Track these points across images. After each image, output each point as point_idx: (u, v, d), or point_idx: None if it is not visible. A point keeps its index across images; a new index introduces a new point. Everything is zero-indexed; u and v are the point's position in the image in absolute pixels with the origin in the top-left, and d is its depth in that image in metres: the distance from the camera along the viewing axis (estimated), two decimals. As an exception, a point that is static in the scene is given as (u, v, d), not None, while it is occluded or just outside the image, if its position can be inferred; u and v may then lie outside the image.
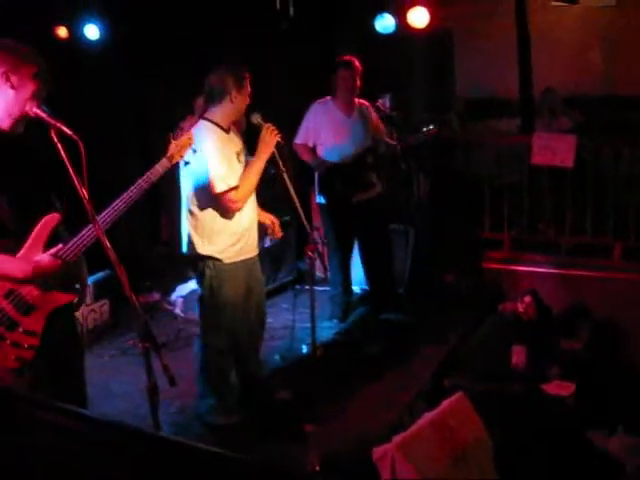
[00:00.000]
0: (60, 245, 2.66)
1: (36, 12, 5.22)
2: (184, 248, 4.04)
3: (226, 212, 3.86)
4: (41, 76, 2.65)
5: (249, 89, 3.85)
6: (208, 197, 3.83)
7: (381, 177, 5.47)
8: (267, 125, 3.83)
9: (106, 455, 1.19)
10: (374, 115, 5.38)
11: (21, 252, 2.63)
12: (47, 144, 2.60)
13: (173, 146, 3.13)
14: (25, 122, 2.68)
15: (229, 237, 3.90)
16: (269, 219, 4.19)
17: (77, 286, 2.88)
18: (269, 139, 3.82)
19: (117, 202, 2.77)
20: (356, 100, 5.31)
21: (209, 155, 3.77)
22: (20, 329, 2.62)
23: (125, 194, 2.81)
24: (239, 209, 3.88)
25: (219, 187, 3.76)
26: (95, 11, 5.91)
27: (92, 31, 5.97)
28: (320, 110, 5.30)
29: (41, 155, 2.79)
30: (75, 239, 2.67)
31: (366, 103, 5.39)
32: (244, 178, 3.89)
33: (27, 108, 2.62)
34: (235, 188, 3.80)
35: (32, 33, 5.14)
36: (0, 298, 2.59)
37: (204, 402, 4.20)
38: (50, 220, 2.69)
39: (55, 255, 2.64)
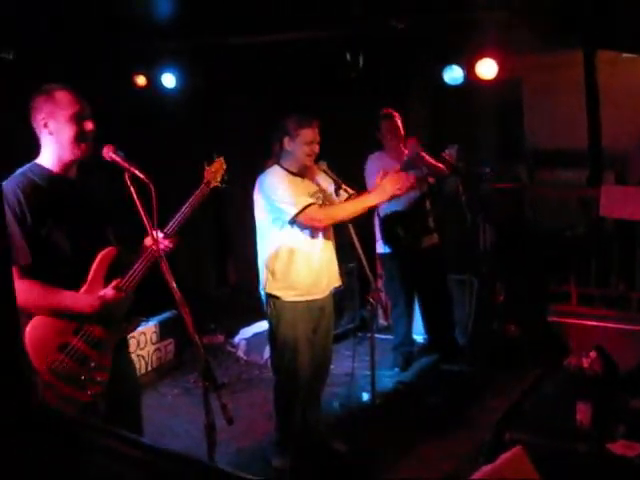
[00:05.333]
0: (119, 278, 2.79)
1: (116, 60, 5.50)
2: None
3: (316, 226, 3.92)
4: (81, 117, 2.76)
5: (311, 137, 3.93)
6: (270, 231, 3.93)
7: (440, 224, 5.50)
8: (398, 176, 3.91)
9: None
10: (425, 156, 5.41)
11: (84, 287, 2.75)
12: (105, 184, 2.75)
13: (207, 172, 3.22)
14: (78, 165, 2.83)
15: (290, 276, 3.97)
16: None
17: (136, 318, 3.01)
18: (389, 188, 3.90)
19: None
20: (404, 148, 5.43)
21: (272, 190, 3.89)
22: (92, 364, 2.73)
23: (171, 222, 2.96)
24: (325, 227, 3.94)
25: (291, 210, 3.84)
26: (172, 61, 6.18)
27: (169, 80, 6.25)
28: (376, 161, 5.44)
29: (98, 195, 2.94)
30: (131, 271, 2.79)
31: (412, 141, 5.45)
32: (342, 204, 3.96)
33: (77, 151, 2.75)
34: (313, 204, 3.86)
35: (112, 80, 5.48)
36: (70, 335, 2.71)
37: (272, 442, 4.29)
38: (108, 254, 2.82)
39: (117, 288, 2.76)
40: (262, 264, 4.05)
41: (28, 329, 2.62)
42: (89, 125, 2.77)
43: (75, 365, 2.68)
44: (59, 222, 2.71)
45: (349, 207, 3.92)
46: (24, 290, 2.55)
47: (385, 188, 3.89)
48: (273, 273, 3.99)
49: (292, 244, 3.95)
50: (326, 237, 4.08)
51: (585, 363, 4.74)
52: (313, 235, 4.00)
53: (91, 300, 2.72)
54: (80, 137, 2.75)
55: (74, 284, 2.74)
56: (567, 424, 4.25)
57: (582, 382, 4.67)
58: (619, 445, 4.00)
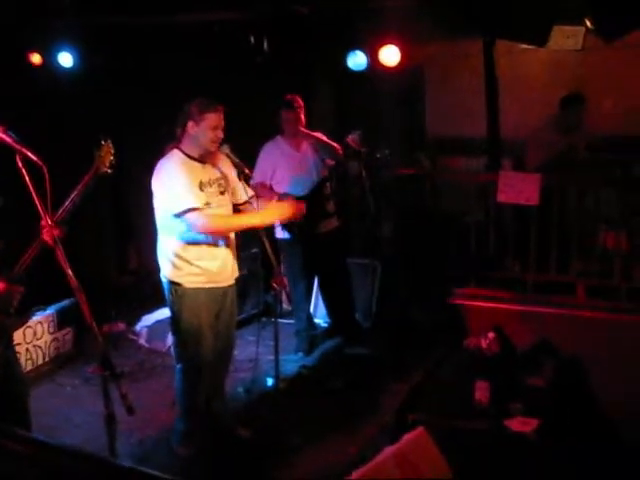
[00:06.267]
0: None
1: (10, 38, 5.25)
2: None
3: (194, 232, 3.83)
4: None
5: (215, 122, 3.85)
6: (169, 220, 3.84)
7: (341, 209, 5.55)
8: (290, 201, 3.89)
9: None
10: (319, 135, 5.45)
11: None
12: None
13: (97, 157, 3.14)
14: None
15: (193, 264, 3.90)
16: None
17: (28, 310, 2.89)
18: (276, 216, 3.88)
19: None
20: (304, 130, 5.43)
21: (167, 177, 3.80)
22: None
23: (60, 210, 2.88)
24: (206, 233, 3.86)
25: (175, 207, 3.76)
26: (69, 40, 5.95)
27: (66, 59, 6.01)
28: (271, 149, 5.45)
29: None
30: (21, 261, 2.67)
31: (317, 134, 5.49)
32: (227, 217, 3.91)
33: None
34: (197, 210, 3.77)
35: (4, 58, 5.22)
36: None
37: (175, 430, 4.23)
38: None
39: (7, 279, 2.64)
40: (163, 252, 3.96)
41: None
42: None
43: None
44: None
45: (233, 222, 3.93)
46: None
47: (272, 213, 3.89)
48: (174, 261, 3.91)
49: (188, 234, 3.87)
50: None
51: (483, 343, 4.89)
52: None
53: None
54: None
55: None
56: (466, 403, 4.38)
57: (480, 362, 4.82)
58: (516, 421, 4.15)
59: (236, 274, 4.17)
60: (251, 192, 4.14)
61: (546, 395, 4.65)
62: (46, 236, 2.59)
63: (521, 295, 5.80)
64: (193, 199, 3.76)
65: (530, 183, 5.55)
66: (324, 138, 5.43)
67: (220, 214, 3.89)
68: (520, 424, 4.17)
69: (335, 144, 5.39)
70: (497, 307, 5.80)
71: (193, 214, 3.75)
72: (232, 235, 4.05)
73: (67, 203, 2.86)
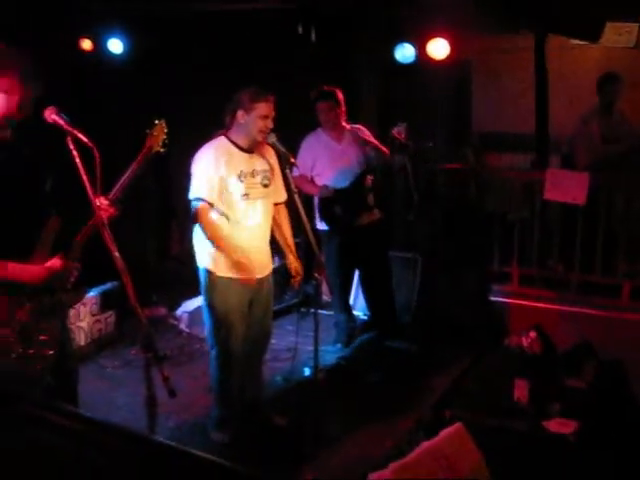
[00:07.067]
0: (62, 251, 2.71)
1: (62, 24, 5.33)
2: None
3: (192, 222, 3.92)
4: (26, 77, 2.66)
5: (266, 112, 3.87)
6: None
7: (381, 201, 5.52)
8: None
9: (107, 458, 1.20)
10: (367, 134, 5.44)
11: (33, 258, 2.66)
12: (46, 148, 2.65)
13: (150, 137, 3.18)
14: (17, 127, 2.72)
15: (222, 255, 3.91)
16: (295, 269, 4.20)
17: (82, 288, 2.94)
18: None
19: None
20: (346, 125, 5.41)
21: (195, 164, 3.89)
22: (41, 337, 2.64)
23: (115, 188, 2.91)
24: (202, 224, 3.88)
25: (191, 192, 3.87)
26: (118, 27, 6.02)
27: (116, 45, 6.09)
28: (312, 141, 5.41)
29: (34, 158, 2.82)
30: (77, 239, 2.71)
31: (358, 126, 5.48)
32: (213, 227, 3.88)
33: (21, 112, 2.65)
34: (204, 203, 3.83)
35: (57, 43, 5.30)
36: (16, 309, 2.61)
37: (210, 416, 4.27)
38: (53, 224, 2.73)
39: (64, 257, 2.68)
40: (197, 238, 4.01)
41: None
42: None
43: (24, 340, 2.59)
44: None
45: (211, 232, 3.88)
46: None
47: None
48: (207, 248, 3.95)
49: (223, 219, 3.91)
50: (260, 217, 4.02)
51: (525, 342, 4.85)
52: (242, 215, 3.94)
53: (39, 271, 2.63)
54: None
55: (14, 254, 2.63)
56: (505, 402, 4.34)
57: (521, 361, 4.78)
58: (554, 422, 4.10)
59: (270, 265, 4.18)
60: (285, 196, 4.20)
61: (586, 397, 4.59)
62: (104, 214, 2.63)
63: (564, 295, 5.72)
64: (206, 191, 3.82)
65: (578, 182, 5.46)
66: (371, 139, 5.39)
67: (214, 226, 3.89)
68: (559, 425, 4.12)
69: (382, 147, 5.35)
70: (539, 306, 5.73)
71: (201, 206, 3.83)
72: (264, 227, 4.06)
73: (122, 181, 2.89)
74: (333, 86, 5.36)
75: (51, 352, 2.67)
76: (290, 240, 4.26)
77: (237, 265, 3.89)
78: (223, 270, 3.94)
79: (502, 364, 4.83)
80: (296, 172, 5.24)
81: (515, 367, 4.65)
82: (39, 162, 2.85)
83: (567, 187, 5.46)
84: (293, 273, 4.21)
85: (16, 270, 2.60)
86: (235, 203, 3.89)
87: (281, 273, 6.05)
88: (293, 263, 4.20)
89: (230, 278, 3.94)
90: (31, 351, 2.61)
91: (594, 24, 5.47)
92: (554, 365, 4.84)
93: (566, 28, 5.88)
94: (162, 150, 3.15)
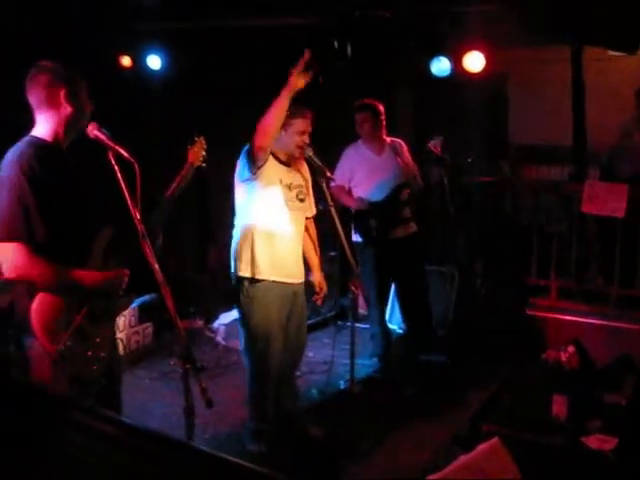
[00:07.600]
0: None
1: (102, 41, 5.44)
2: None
3: (257, 155, 3.83)
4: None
5: (303, 127, 3.91)
6: (244, 214, 4.00)
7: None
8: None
9: (144, 464, 1.22)
10: (406, 154, 5.45)
11: (88, 265, 2.74)
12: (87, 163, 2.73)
13: (190, 153, 3.32)
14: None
15: (262, 254, 3.96)
16: (319, 284, 4.24)
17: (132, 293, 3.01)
18: (297, 80, 3.76)
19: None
20: (387, 138, 5.43)
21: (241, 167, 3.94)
22: (97, 340, 2.71)
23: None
24: (265, 141, 3.79)
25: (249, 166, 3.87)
26: (157, 43, 6.13)
27: (154, 62, 6.19)
28: (352, 152, 5.44)
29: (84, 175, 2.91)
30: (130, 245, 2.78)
31: (399, 141, 5.48)
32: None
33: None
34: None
35: (97, 60, 5.41)
36: (74, 313, 2.66)
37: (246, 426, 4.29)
38: (107, 232, 2.80)
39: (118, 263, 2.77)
40: (232, 249, 4.06)
41: (35, 309, 2.56)
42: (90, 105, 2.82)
43: (81, 342, 2.65)
44: (63, 196, 2.67)
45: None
46: (37, 268, 2.55)
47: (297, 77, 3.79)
48: (240, 255, 3.99)
49: (260, 225, 3.96)
50: (295, 226, 4.07)
51: (563, 357, 4.78)
52: (281, 219, 4.00)
53: (95, 276, 2.70)
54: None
55: (72, 260, 2.69)
56: (543, 417, 4.29)
57: (559, 376, 4.71)
58: (594, 439, 4.03)
59: (303, 272, 4.20)
60: (314, 211, 4.28)
61: (626, 413, 4.51)
62: (141, 227, 2.69)
63: (603, 309, 5.64)
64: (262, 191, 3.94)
65: (616, 194, 5.40)
66: (408, 158, 5.43)
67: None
68: (598, 442, 4.05)
69: (415, 169, 5.40)
70: (577, 320, 5.65)
71: (255, 136, 3.78)
72: (297, 239, 4.10)
73: (170, 190, 3.00)
74: (372, 99, 5.39)
75: (104, 354, 2.73)
76: (316, 255, 4.29)
77: (276, 261, 3.96)
78: (264, 272, 3.96)
79: (539, 379, 4.77)
80: (333, 183, 5.29)
81: (553, 382, 4.59)
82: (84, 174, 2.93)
83: (606, 200, 5.40)
84: (317, 289, 4.24)
85: (79, 276, 2.67)
86: (277, 208, 3.96)
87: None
88: (318, 279, 4.23)
89: (271, 282, 3.97)
90: (89, 353, 2.67)
91: (631, 35, 5.43)
92: (593, 380, 4.77)
93: (603, 39, 5.83)
94: (203, 165, 3.25)
